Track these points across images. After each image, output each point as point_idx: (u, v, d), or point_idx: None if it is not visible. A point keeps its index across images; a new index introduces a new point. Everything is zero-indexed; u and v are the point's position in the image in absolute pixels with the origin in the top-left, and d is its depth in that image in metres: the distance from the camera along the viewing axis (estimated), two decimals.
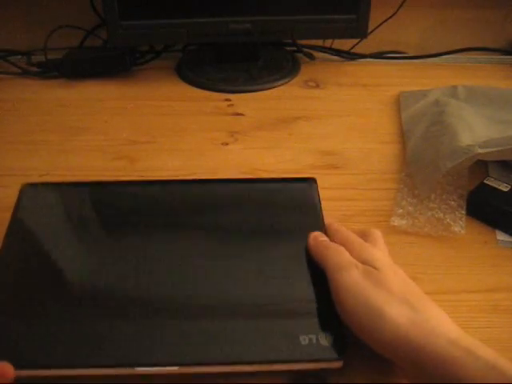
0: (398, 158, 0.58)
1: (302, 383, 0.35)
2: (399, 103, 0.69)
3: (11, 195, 0.52)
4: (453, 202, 0.50)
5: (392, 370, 0.35)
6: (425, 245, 0.47)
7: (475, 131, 0.55)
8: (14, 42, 0.82)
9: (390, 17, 0.79)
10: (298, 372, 0.35)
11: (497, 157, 0.51)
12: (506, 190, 0.49)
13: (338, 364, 0.34)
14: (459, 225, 0.47)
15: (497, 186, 0.50)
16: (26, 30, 0.82)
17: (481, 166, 0.53)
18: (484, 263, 0.45)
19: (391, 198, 0.52)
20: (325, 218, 0.43)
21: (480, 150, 0.49)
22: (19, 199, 0.44)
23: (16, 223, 0.42)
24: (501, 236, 0.47)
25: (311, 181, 0.46)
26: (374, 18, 0.74)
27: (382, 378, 0.35)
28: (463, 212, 0.49)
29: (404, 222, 0.49)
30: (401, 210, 0.49)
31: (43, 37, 0.74)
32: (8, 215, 0.50)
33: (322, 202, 0.45)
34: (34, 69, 0.77)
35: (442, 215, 0.48)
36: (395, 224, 0.48)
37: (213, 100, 0.71)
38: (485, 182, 0.51)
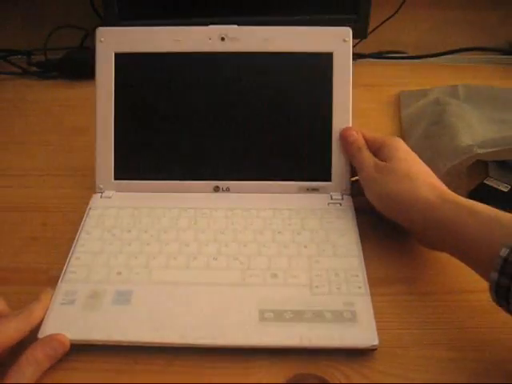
0: None
1: (302, 383, 0.35)
2: (399, 102, 0.69)
3: (11, 195, 0.53)
4: None
5: None
6: None
7: (475, 131, 0.55)
8: (14, 42, 0.82)
9: (390, 17, 0.79)
10: None
11: (497, 157, 0.51)
12: (505, 190, 0.49)
13: None
14: None
15: (497, 186, 0.50)
16: (25, 30, 0.82)
17: (481, 166, 0.53)
18: None
19: None
20: None
21: (480, 150, 0.49)
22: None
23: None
24: None
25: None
26: (374, 18, 0.74)
27: None
28: None
29: None
30: None
31: (43, 37, 0.74)
32: (8, 215, 0.50)
33: None
34: (34, 69, 0.77)
35: None
36: None
37: None
38: (485, 182, 0.51)
